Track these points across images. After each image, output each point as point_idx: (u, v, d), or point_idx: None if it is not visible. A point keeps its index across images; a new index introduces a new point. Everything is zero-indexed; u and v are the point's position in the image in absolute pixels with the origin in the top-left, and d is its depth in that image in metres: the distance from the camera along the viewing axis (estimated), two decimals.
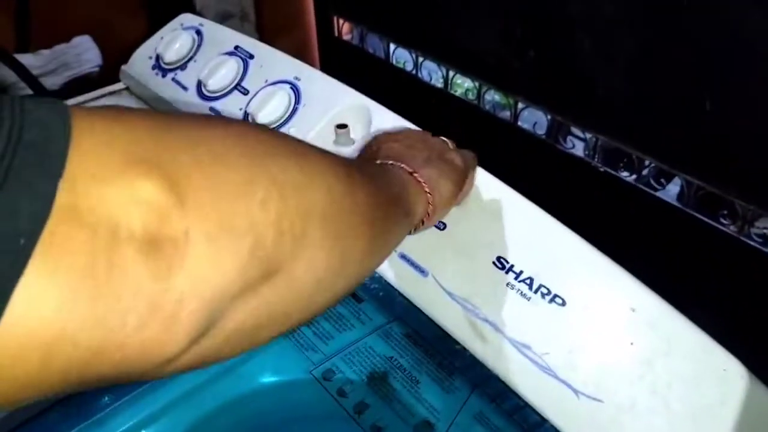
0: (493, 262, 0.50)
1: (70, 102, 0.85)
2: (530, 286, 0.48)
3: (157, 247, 0.21)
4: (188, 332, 0.23)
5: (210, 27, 0.78)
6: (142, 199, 0.21)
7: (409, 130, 0.50)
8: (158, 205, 0.22)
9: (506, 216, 0.52)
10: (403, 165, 0.40)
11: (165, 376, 0.24)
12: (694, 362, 0.43)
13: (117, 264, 0.20)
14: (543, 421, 0.44)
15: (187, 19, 0.81)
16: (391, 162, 0.41)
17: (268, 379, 0.49)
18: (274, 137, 0.29)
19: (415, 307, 0.53)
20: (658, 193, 0.61)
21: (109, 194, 0.21)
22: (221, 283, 0.23)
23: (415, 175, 0.40)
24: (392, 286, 0.54)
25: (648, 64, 0.57)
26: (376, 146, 0.47)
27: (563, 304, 0.47)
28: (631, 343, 0.44)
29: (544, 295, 0.47)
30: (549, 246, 0.49)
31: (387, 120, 0.63)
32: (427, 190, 0.41)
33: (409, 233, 0.42)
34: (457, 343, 0.50)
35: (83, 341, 0.20)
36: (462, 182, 0.46)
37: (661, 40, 0.55)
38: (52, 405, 0.48)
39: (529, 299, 0.48)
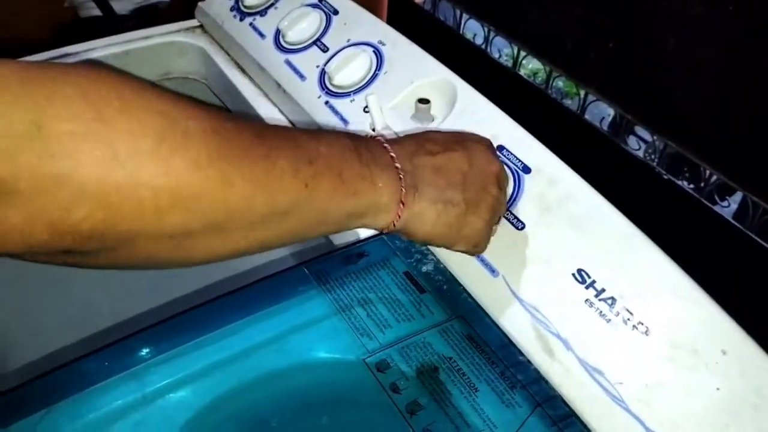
0: (573, 274, 0.47)
1: (140, 33, 0.82)
2: (611, 306, 0.45)
3: None
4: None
5: None
6: None
7: (468, 142, 0.45)
8: None
9: (595, 228, 0.48)
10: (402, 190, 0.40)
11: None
12: None
13: None
14: None
15: None
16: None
17: (319, 355, 0.46)
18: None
19: (481, 307, 0.49)
20: (716, 208, 0.56)
21: None
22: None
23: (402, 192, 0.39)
24: (458, 281, 0.51)
25: (731, 73, 0.52)
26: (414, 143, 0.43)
27: (646, 333, 0.43)
28: (718, 389, 0.40)
29: (626, 320, 0.44)
30: (639, 268, 0.45)
31: (474, 103, 0.59)
32: (399, 214, 0.40)
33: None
34: (522, 354, 0.47)
35: None
36: (491, 219, 0.44)
37: (752, 47, 0.50)
38: (87, 354, 0.47)
39: (608, 321, 0.44)
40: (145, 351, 0.47)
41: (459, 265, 0.51)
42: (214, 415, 0.46)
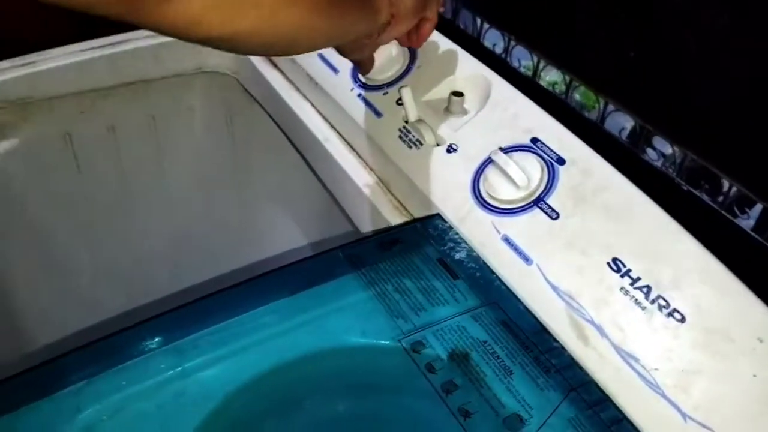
0: (608, 263, 0.47)
1: None
2: (647, 295, 0.45)
3: None
4: None
5: None
6: None
7: None
8: None
9: (630, 218, 0.48)
10: None
11: (152, 20, 0.33)
12: None
13: None
14: None
15: None
16: None
17: (354, 338, 0.47)
18: None
19: (514, 294, 0.50)
20: (737, 220, 0.56)
21: None
22: None
23: None
24: (491, 269, 0.52)
25: (754, 86, 0.52)
26: None
27: (682, 320, 0.43)
28: (754, 376, 0.41)
29: (662, 307, 0.44)
30: (673, 256, 0.46)
31: (508, 97, 0.59)
32: None
33: (378, 35, 0.49)
34: (556, 340, 0.47)
35: None
36: (423, 2, 0.51)
37: None
38: (128, 327, 0.48)
39: (644, 308, 0.45)
40: (185, 327, 0.47)
41: (492, 253, 0.52)
42: (251, 392, 0.46)
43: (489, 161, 0.55)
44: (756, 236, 0.54)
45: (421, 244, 0.53)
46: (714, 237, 0.58)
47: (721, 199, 0.56)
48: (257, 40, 0.38)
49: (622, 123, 0.66)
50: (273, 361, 0.48)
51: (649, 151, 0.63)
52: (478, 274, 0.51)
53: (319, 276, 0.51)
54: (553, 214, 0.51)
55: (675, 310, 0.44)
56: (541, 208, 0.51)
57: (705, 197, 0.58)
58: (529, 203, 0.52)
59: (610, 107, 0.65)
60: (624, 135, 0.65)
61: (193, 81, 0.86)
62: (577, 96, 0.69)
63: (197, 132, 0.89)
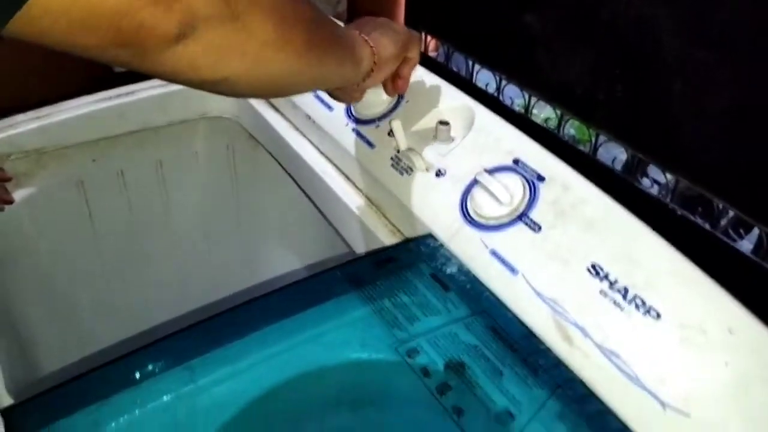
0: (588, 269, 0.50)
1: None
2: (624, 296, 0.48)
3: None
4: (178, 21, 0.35)
5: None
6: None
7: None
8: None
9: (607, 227, 0.52)
10: (355, 30, 0.54)
11: (154, 67, 0.37)
12: None
13: None
14: (625, 428, 0.44)
15: None
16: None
17: (354, 351, 0.50)
18: None
19: (502, 303, 0.53)
20: (734, 244, 0.59)
21: None
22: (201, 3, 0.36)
23: (362, 35, 0.53)
24: (480, 281, 0.55)
25: (737, 112, 0.55)
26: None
27: (658, 317, 0.46)
28: (726, 364, 0.43)
29: (639, 306, 0.47)
30: (648, 259, 0.49)
31: (490, 123, 0.64)
32: (371, 44, 0.53)
33: (363, 81, 0.54)
34: (542, 342, 0.50)
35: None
36: (404, 46, 0.57)
37: (755, 89, 0.54)
38: (140, 348, 0.51)
39: (622, 308, 0.48)
40: (195, 346, 0.50)
41: (481, 266, 0.55)
42: (259, 406, 0.49)
43: (475, 182, 0.59)
44: (755, 258, 0.56)
45: (414, 261, 0.57)
46: (712, 260, 0.60)
47: (717, 223, 0.59)
48: (245, 83, 0.42)
49: (613, 155, 0.70)
50: (280, 377, 0.50)
51: (644, 181, 0.67)
52: (468, 285, 0.55)
53: (319, 294, 0.54)
54: (535, 228, 0.54)
55: (651, 308, 0.47)
56: (524, 222, 0.55)
57: (700, 221, 0.61)
58: (514, 218, 0.56)
59: (602, 138, 0.69)
60: (617, 166, 0.68)
61: (197, 126, 0.91)
62: (572, 130, 0.73)
63: (202, 173, 0.93)
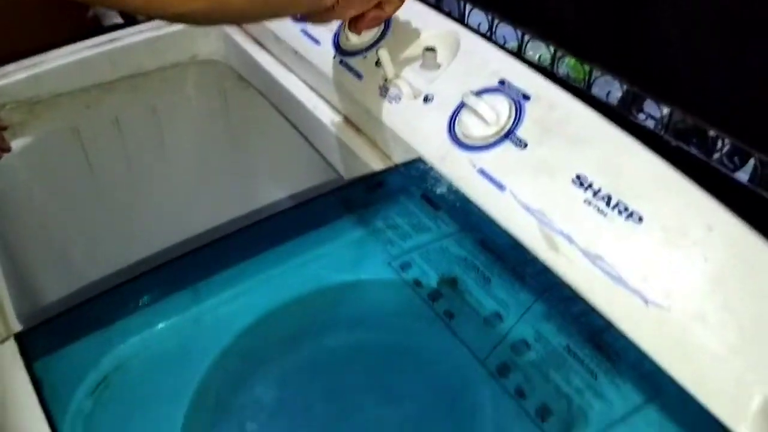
0: (573, 180, 0.52)
1: None
2: (608, 203, 0.50)
3: None
4: None
5: None
6: None
7: None
8: None
9: (592, 140, 0.53)
10: None
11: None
12: None
13: None
14: (609, 325, 0.46)
15: None
16: None
17: (348, 271, 0.52)
18: None
19: (491, 219, 0.55)
20: (731, 173, 0.60)
21: None
22: None
23: None
24: (469, 199, 0.57)
25: (731, 41, 0.56)
26: None
27: (640, 221, 0.48)
28: (706, 260, 0.45)
29: (621, 211, 0.49)
30: (632, 168, 0.51)
31: (475, 46, 0.64)
32: None
33: (322, 18, 0.52)
34: (529, 252, 0.52)
35: None
36: None
37: (748, 17, 0.53)
38: (144, 273, 0.52)
39: (605, 215, 0.49)
40: (198, 270, 0.52)
41: (470, 185, 0.57)
42: (264, 325, 0.51)
43: (462, 105, 0.60)
44: (751, 186, 0.57)
45: (404, 184, 0.58)
46: (709, 191, 0.61)
47: (712, 153, 0.60)
48: (212, 16, 0.43)
49: (609, 89, 0.70)
50: (280, 298, 0.53)
51: (640, 115, 0.67)
52: (457, 204, 0.56)
53: (314, 219, 0.56)
54: (521, 145, 0.56)
55: (633, 212, 0.49)
56: (511, 141, 0.56)
57: (696, 152, 0.62)
58: (500, 137, 0.57)
59: (596, 74, 0.69)
60: (613, 101, 0.68)
61: (187, 70, 0.92)
62: (565, 69, 0.73)
63: (195, 116, 0.94)
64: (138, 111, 0.91)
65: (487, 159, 0.57)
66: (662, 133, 0.64)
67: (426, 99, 0.63)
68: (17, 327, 0.50)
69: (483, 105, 0.58)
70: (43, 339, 0.48)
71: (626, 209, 0.49)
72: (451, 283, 0.49)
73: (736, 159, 0.61)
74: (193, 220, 0.94)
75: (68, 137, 0.88)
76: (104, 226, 0.93)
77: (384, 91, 0.66)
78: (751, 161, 0.59)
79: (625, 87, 0.66)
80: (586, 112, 0.55)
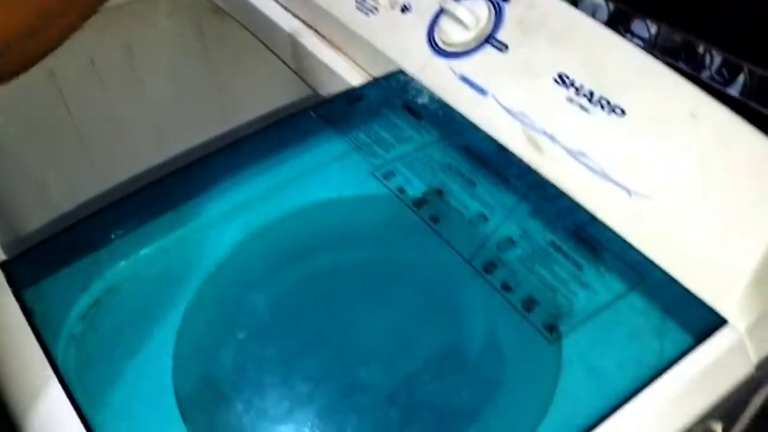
0: (555, 79, 0.51)
1: None
2: (590, 99, 0.49)
3: None
4: None
5: None
6: None
7: None
8: None
9: (573, 38, 0.52)
10: None
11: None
12: (755, 167, 0.43)
13: None
14: (593, 218, 0.46)
15: None
16: None
17: (332, 186, 0.51)
18: None
19: (474, 125, 0.54)
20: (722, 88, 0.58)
21: None
22: None
23: None
24: (451, 107, 0.56)
25: None
26: None
27: (623, 114, 0.47)
28: (690, 148, 0.45)
29: (604, 106, 0.48)
30: (613, 63, 0.50)
31: None
32: None
33: None
34: (513, 155, 0.51)
35: None
36: None
37: None
38: (122, 198, 0.52)
39: (588, 111, 0.49)
40: (181, 192, 0.52)
41: (452, 93, 0.56)
42: (249, 247, 0.51)
43: (441, 11, 0.58)
44: (742, 99, 0.56)
45: (385, 96, 0.57)
46: None
47: (702, 69, 0.58)
48: None
49: (594, 9, 0.67)
50: (262, 220, 0.52)
51: (627, 35, 0.65)
52: (440, 112, 0.55)
53: (295, 135, 0.55)
54: (502, 48, 0.54)
55: (616, 106, 0.48)
56: (491, 44, 0.55)
57: (686, 68, 0.60)
58: (481, 42, 0.56)
59: None
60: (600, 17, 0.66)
61: (159, 3, 0.89)
62: None
63: (170, 50, 0.92)
64: (113, 50, 0.89)
65: (468, 65, 0.56)
66: (652, 51, 0.62)
67: (404, 9, 0.61)
68: (1, 256, 0.50)
69: (461, 9, 0.56)
70: (30, 267, 0.48)
71: (608, 103, 0.48)
72: (435, 189, 0.48)
73: (725, 73, 0.60)
74: (174, 153, 0.93)
75: (44, 80, 0.86)
76: (82, 161, 0.92)
77: (360, 3, 0.64)
78: (741, 76, 0.58)
79: (611, 6, 0.64)
80: (566, 9, 0.54)
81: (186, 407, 0.40)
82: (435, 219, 0.46)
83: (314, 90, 0.73)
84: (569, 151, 0.49)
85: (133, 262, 0.49)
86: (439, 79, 0.57)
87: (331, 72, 0.66)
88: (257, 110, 0.95)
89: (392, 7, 0.62)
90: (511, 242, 0.45)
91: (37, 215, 0.87)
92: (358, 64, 0.66)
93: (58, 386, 0.41)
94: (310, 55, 0.69)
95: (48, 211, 0.87)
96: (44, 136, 0.87)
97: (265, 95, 0.96)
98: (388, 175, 0.50)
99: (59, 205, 0.89)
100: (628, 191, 0.45)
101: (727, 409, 0.42)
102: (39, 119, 0.86)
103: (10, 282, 0.47)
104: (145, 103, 0.93)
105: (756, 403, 0.49)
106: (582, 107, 0.49)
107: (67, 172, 0.91)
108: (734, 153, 0.44)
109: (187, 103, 0.96)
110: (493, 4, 0.56)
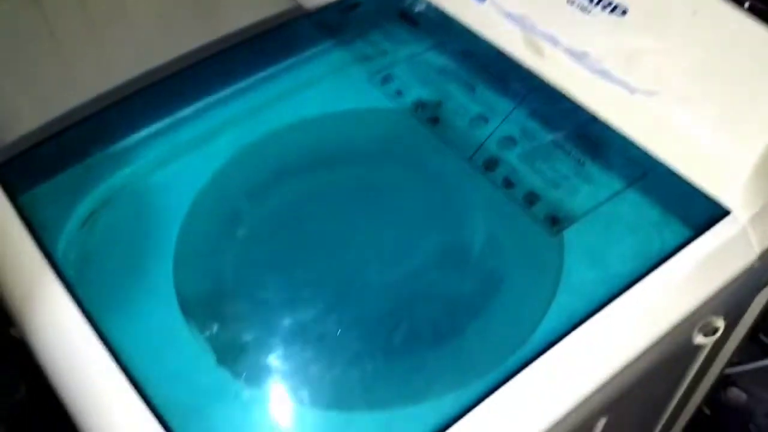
0: None
1: None
2: (591, 0, 0.48)
3: None
4: None
5: None
6: None
7: None
8: None
9: None
10: None
11: None
12: (757, 60, 0.43)
13: None
14: (595, 118, 0.46)
15: None
16: None
17: (331, 96, 0.50)
18: None
19: (473, 32, 0.53)
20: None
21: None
22: None
23: None
24: (449, 15, 0.55)
25: None
26: None
27: (624, 13, 0.47)
28: (691, 44, 0.44)
29: (605, 6, 0.47)
30: None
31: None
32: None
33: None
34: (513, 60, 0.51)
35: None
36: None
37: None
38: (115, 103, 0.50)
39: (589, 12, 0.48)
40: (176, 99, 0.50)
41: (450, 1, 0.55)
42: (243, 162, 0.50)
43: None
44: None
45: (381, 3, 0.56)
46: None
47: None
48: None
49: None
50: (257, 134, 0.51)
51: None
52: (437, 20, 0.54)
53: (290, 42, 0.54)
54: None
55: (617, 5, 0.47)
56: None
57: None
58: None
59: None
60: None
61: None
62: None
63: None
64: None
65: None
66: None
67: None
68: None
69: None
70: (23, 171, 0.47)
71: (610, 3, 0.47)
72: (433, 92, 0.48)
73: None
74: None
75: (30, 8, 0.83)
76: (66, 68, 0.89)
77: None
78: None
79: None
80: None
81: (186, 304, 0.40)
82: (434, 120, 0.46)
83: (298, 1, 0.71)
84: (571, 53, 0.48)
85: (128, 174, 0.48)
86: None
87: None
88: (242, 21, 0.92)
89: None
90: (511, 141, 0.44)
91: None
92: None
93: (58, 284, 0.40)
94: None
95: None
96: (27, 59, 0.85)
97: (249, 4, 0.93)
98: (386, 79, 0.49)
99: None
100: (631, 89, 0.45)
101: (730, 305, 0.42)
102: (23, 42, 0.84)
103: (5, 186, 0.46)
104: (129, 23, 0.91)
105: (759, 302, 0.49)
106: (583, 8, 0.48)
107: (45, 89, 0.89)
108: (736, 47, 0.43)
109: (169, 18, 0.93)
110: None
